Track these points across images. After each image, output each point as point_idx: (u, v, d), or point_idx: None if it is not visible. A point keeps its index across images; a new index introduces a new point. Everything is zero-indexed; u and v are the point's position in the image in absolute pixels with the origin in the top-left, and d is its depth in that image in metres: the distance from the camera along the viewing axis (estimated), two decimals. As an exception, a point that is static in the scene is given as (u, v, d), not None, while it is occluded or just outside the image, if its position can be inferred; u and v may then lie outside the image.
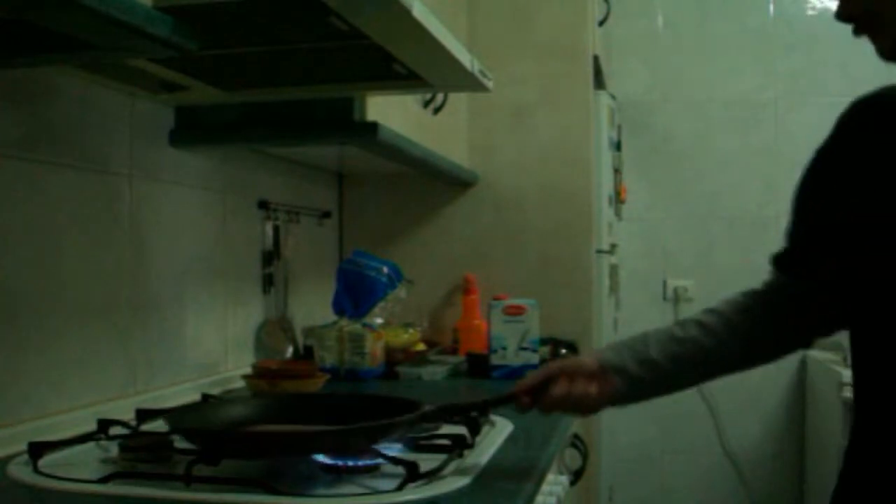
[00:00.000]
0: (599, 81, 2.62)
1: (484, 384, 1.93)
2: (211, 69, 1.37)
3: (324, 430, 1.07)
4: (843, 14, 0.95)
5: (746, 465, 3.36)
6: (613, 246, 2.80)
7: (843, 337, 1.08)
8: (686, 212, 3.41)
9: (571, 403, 1.06)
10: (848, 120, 1.03)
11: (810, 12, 3.32)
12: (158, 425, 1.32)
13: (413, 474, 0.98)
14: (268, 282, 2.00)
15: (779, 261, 1.08)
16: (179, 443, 1.15)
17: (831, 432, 2.83)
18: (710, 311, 1.10)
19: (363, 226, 2.50)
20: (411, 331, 2.18)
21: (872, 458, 0.96)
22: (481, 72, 1.50)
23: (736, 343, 1.08)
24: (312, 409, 1.24)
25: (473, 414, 1.23)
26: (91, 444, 1.20)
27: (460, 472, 1.04)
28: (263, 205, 1.98)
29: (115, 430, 1.24)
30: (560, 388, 1.05)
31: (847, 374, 2.72)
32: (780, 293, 1.08)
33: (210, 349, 1.78)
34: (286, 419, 1.21)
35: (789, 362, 3.23)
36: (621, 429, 3.14)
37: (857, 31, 0.95)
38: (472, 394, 1.83)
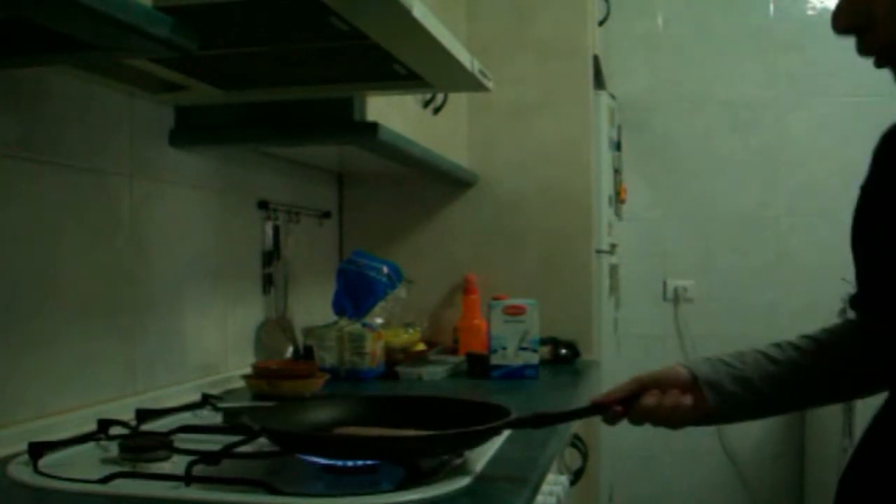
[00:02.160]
0: (599, 81, 2.62)
1: (484, 384, 1.93)
2: (211, 69, 1.37)
3: (409, 436, 1.06)
4: (843, 25, 0.92)
5: (746, 465, 3.36)
6: (613, 246, 2.80)
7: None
8: (686, 212, 3.41)
9: (662, 415, 1.04)
10: (884, 152, 0.99)
11: (810, 12, 3.32)
12: (158, 425, 1.32)
13: (413, 474, 0.98)
14: (268, 282, 2.00)
15: (855, 303, 1.06)
16: (179, 443, 1.15)
17: (831, 432, 2.83)
18: (808, 336, 1.08)
19: (363, 226, 2.50)
20: (411, 331, 2.18)
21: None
22: (481, 72, 1.50)
23: (832, 371, 1.05)
24: (397, 412, 1.21)
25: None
26: (91, 444, 1.20)
27: (460, 472, 1.04)
28: (263, 205, 1.98)
29: (115, 430, 1.24)
30: (652, 399, 1.03)
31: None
32: (866, 328, 1.06)
33: (210, 349, 1.78)
34: (372, 422, 1.19)
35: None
36: (621, 429, 3.13)
37: (843, 33, 0.93)
38: (473, 394, 1.83)
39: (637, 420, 1.06)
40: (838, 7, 0.91)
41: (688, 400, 1.03)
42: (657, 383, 1.05)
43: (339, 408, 1.25)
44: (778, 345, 1.07)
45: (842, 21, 0.91)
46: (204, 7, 1.04)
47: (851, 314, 1.09)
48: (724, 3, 3.38)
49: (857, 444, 1.00)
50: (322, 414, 1.22)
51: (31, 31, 0.94)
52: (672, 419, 1.05)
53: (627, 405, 1.05)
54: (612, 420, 1.06)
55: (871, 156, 1.00)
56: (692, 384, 1.04)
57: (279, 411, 1.26)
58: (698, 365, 1.06)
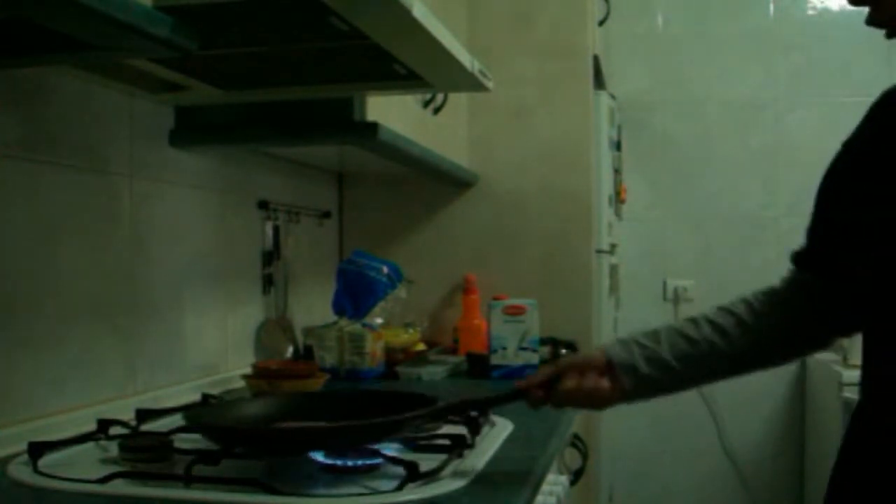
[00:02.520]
0: (599, 81, 2.62)
1: (484, 384, 1.93)
2: (211, 69, 1.37)
3: (330, 427, 1.07)
4: (877, 19, 0.92)
5: (746, 465, 3.36)
6: (613, 246, 2.80)
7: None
8: (686, 212, 3.41)
9: (582, 397, 1.05)
10: (878, 111, 0.99)
11: (810, 12, 3.32)
12: (158, 425, 1.32)
13: (413, 474, 0.98)
14: (268, 282, 2.00)
15: (799, 258, 1.07)
16: (179, 443, 1.15)
17: (831, 432, 2.83)
18: (725, 310, 1.08)
19: (363, 226, 2.50)
20: (411, 331, 2.18)
21: (870, 457, 0.95)
22: (481, 72, 1.50)
23: (750, 345, 1.06)
24: (326, 408, 1.23)
25: (473, 414, 1.23)
26: (91, 444, 1.20)
27: (460, 472, 1.04)
28: (263, 205, 1.98)
29: (115, 430, 1.24)
30: (571, 382, 1.04)
31: (847, 375, 2.73)
32: (800, 292, 1.07)
33: (210, 349, 1.78)
34: (304, 417, 1.20)
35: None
36: (621, 429, 3.14)
37: (857, 3, 0.93)
38: (474, 394, 1.83)
39: (558, 402, 1.06)
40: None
41: (605, 382, 1.04)
42: (574, 367, 1.05)
43: (273, 404, 1.26)
44: (694, 320, 1.08)
45: None
46: (204, 7, 1.04)
47: (788, 269, 1.09)
48: (724, 3, 3.38)
49: (842, 443, 1.01)
50: (256, 410, 1.24)
51: (31, 31, 0.94)
52: (592, 401, 1.06)
53: (548, 389, 1.05)
54: (534, 404, 1.06)
55: (865, 114, 1.00)
56: (608, 367, 1.05)
57: (223, 408, 1.30)
58: (613, 347, 1.07)
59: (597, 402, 1.06)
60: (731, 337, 1.05)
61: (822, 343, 1.11)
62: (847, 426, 1.01)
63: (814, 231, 1.04)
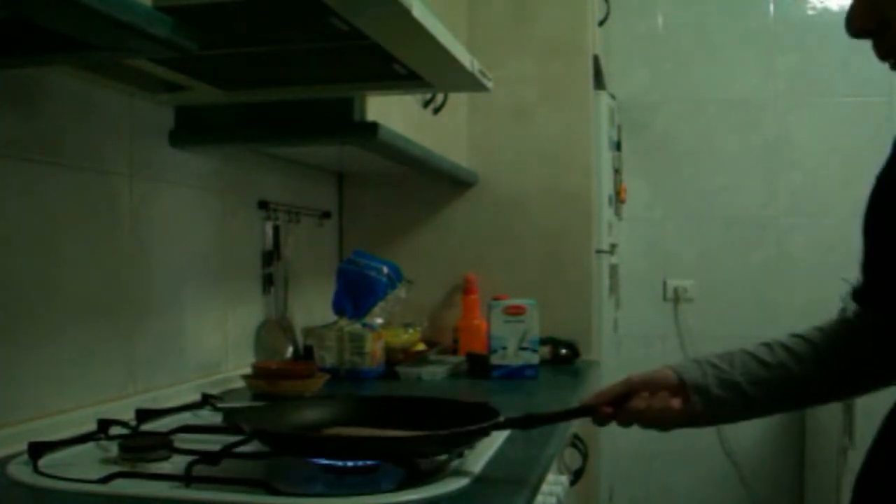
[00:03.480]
0: (599, 81, 2.62)
1: (484, 384, 1.93)
2: (211, 69, 1.37)
3: (402, 437, 1.06)
4: (856, 29, 0.91)
5: (746, 465, 3.36)
6: (613, 246, 2.80)
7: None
8: (686, 212, 3.41)
9: (651, 418, 1.04)
10: None
11: (810, 12, 3.32)
12: (158, 425, 1.32)
13: (413, 474, 0.98)
14: (268, 282, 2.00)
15: (858, 295, 1.04)
16: (179, 443, 1.15)
17: (831, 432, 2.83)
18: (800, 336, 1.06)
19: (363, 226, 2.50)
20: (411, 331, 2.18)
21: None
22: (481, 72, 1.50)
23: (824, 373, 1.04)
24: (389, 413, 1.22)
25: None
26: (91, 444, 1.20)
27: (460, 472, 1.04)
28: (263, 205, 1.98)
29: (115, 430, 1.24)
30: (640, 402, 1.03)
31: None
32: (867, 324, 1.04)
33: (210, 349, 1.78)
34: (360, 422, 1.19)
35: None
36: (621, 429, 3.13)
37: (860, 37, 0.92)
38: (473, 394, 1.83)
39: (626, 422, 1.06)
40: (852, 9, 0.91)
41: (676, 403, 1.03)
42: (646, 386, 1.04)
43: (331, 408, 1.25)
44: (768, 345, 1.06)
45: (856, 25, 0.91)
46: (204, 7, 1.04)
47: (852, 308, 1.08)
48: (724, 4, 3.38)
49: (871, 445, 0.99)
50: (314, 414, 1.23)
51: (31, 31, 0.94)
52: (660, 422, 1.05)
53: (616, 407, 1.05)
54: (601, 422, 1.06)
55: (892, 143, 0.98)
56: (680, 387, 1.03)
57: (272, 411, 1.27)
58: (686, 368, 1.05)
59: (665, 423, 1.05)
60: (805, 363, 1.03)
61: (892, 379, 1.07)
62: (880, 427, 0.98)
63: (868, 267, 1.02)
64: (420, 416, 1.16)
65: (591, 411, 1.06)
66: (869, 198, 0.99)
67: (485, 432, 1.08)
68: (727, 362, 1.04)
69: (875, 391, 1.07)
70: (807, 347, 1.05)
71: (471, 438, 1.09)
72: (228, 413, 1.21)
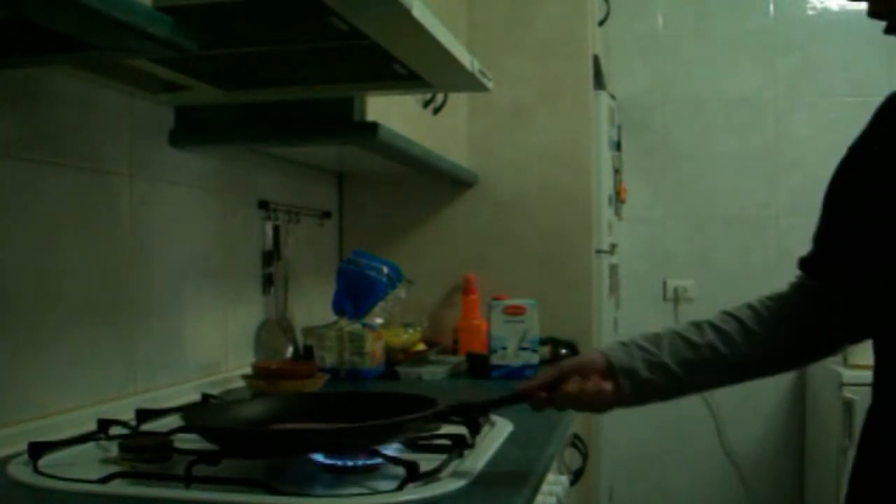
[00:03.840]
0: (599, 81, 2.62)
1: (484, 384, 1.93)
2: (211, 69, 1.37)
3: (329, 429, 1.07)
4: (877, 11, 0.92)
5: (746, 465, 3.36)
6: (613, 246, 2.80)
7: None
8: (686, 212, 3.41)
9: (584, 401, 1.04)
10: (883, 114, 0.99)
11: (810, 12, 3.32)
12: (158, 425, 1.32)
13: (413, 474, 0.98)
14: (268, 282, 2.00)
15: (806, 263, 1.05)
16: (179, 443, 1.15)
17: (831, 432, 2.83)
18: (730, 315, 1.07)
19: (363, 226, 2.50)
20: (411, 331, 2.18)
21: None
22: (481, 72, 1.50)
23: (755, 352, 1.05)
24: (325, 408, 1.23)
25: (474, 415, 1.23)
26: (91, 444, 1.20)
27: (460, 472, 1.04)
28: (263, 205, 1.98)
29: (115, 430, 1.24)
30: (573, 385, 1.03)
31: (847, 375, 2.73)
32: (808, 298, 1.05)
33: (210, 349, 1.78)
34: (304, 418, 1.20)
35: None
36: (621, 429, 3.14)
37: (877, 17, 0.93)
38: (473, 394, 1.83)
39: (561, 406, 1.06)
40: None
41: (608, 386, 1.03)
42: (577, 370, 1.05)
43: (272, 405, 1.26)
44: (697, 324, 1.07)
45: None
46: (204, 7, 1.04)
47: (796, 276, 1.08)
48: (724, 3, 3.38)
49: (857, 448, 1.00)
50: (255, 411, 1.23)
51: (31, 31, 0.94)
52: (594, 404, 1.05)
53: (551, 392, 1.05)
54: (538, 407, 1.06)
55: (871, 116, 1.00)
56: (610, 371, 1.04)
57: (219, 409, 1.30)
58: (614, 351, 1.05)
59: (599, 405, 1.05)
60: (735, 343, 1.04)
61: (829, 351, 1.10)
62: (861, 430, 0.99)
63: (822, 237, 1.03)
64: (363, 411, 1.15)
65: (524, 397, 1.07)
66: (836, 169, 1.00)
67: (424, 420, 1.09)
68: (655, 344, 1.05)
69: (804, 366, 1.08)
70: (736, 326, 1.05)
71: (408, 428, 1.08)
72: (185, 415, 1.22)
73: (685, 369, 1.04)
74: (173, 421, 1.35)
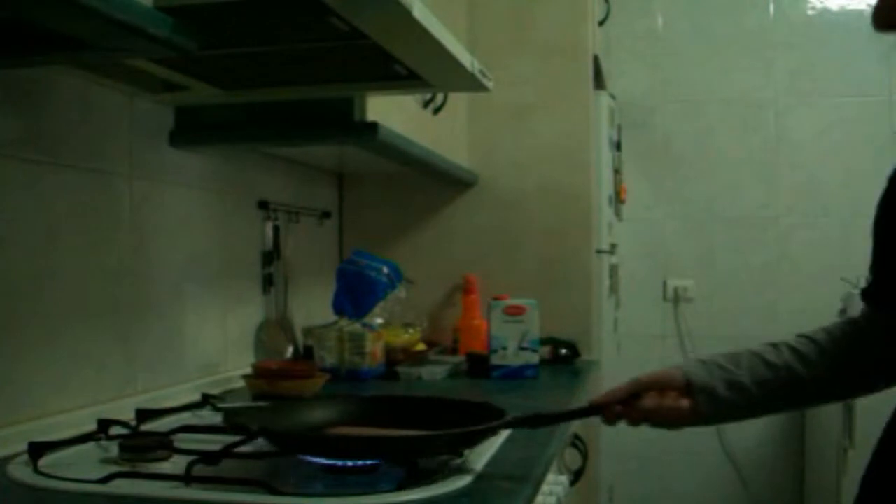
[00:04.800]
0: (599, 81, 2.62)
1: (484, 384, 1.93)
2: (211, 69, 1.37)
3: (403, 436, 1.07)
4: (883, 23, 0.92)
5: (746, 465, 3.36)
6: (613, 246, 2.80)
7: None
8: (686, 212, 3.41)
9: (661, 417, 1.04)
10: None
11: (810, 12, 3.32)
12: (158, 425, 1.32)
13: (413, 474, 0.98)
14: (268, 282, 2.00)
15: (867, 294, 1.05)
16: (179, 443, 1.15)
17: (831, 432, 2.83)
18: (806, 337, 1.07)
19: (363, 226, 2.50)
20: (411, 331, 2.18)
21: None
22: (481, 72, 1.50)
23: (830, 373, 1.04)
24: (394, 412, 1.22)
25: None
26: (91, 444, 1.20)
27: (460, 472, 1.04)
28: (263, 205, 1.98)
29: (115, 430, 1.24)
30: (650, 401, 1.04)
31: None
32: (875, 325, 1.05)
33: (210, 349, 1.78)
34: (362, 422, 1.19)
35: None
36: (621, 429, 3.13)
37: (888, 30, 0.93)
38: (473, 394, 1.83)
39: (636, 421, 1.06)
40: (880, 2, 0.91)
41: (685, 403, 1.04)
42: (655, 385, 1.05)
43: (336, 408, 1.25)
44: (775, 345, 1.06)
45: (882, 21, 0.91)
46: (204, 7, 1.04)
47: (857, 308, 1.08)
48: (724, 3, 3.38)
49: (878, 442, 0.99)
50: (319, 414, 1.23)
51: (31, 31, 0.94)
52: (670, 421, 1.05)
53: (626, 406, 1.05)
54: (611, 421, 1.07)
55: None
56: (687, 388, 1.04)
57: (277, 411, 1.27)
58: (693, 368, 1.06)
59: (674, 422, 1.05)
60: (812, 365, 1.04)
61: None
62: (885, 426, 0.99)
63: (877, 268, 1.03)
64: (422, 416, 1.16)
65: (601, 410, 1.07)
66: (881, 198, 0.99)
67: (493, 431, 1.09)
68: (734, 363, 1.05)
69: (880, 391, 1.07)
70: (813, 348, 1.05)
71: (479, 438, 1.09)
72: (229, 413, 1.21)
73: (763, 389, 1.03)
74: (173, 421, 1.35)
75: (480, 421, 1.07)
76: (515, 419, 1.09)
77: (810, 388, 1.05)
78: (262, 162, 1.99)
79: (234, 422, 1.12)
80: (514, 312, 1.98)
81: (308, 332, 2.00)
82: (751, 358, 1.05)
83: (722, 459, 3.36)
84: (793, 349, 1.05)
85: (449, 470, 1.04)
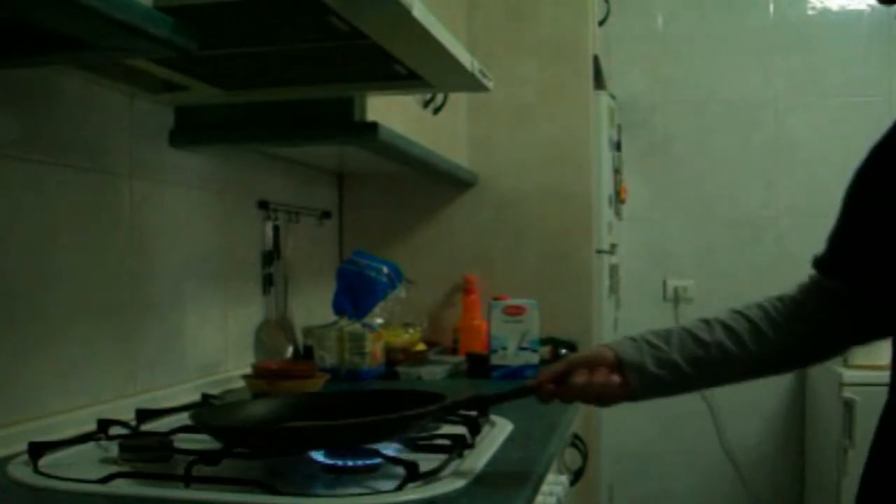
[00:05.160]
0: (599, 81, 2.62)
1: (484, 384, 1.93)
2: (211, 69, 1.37)
3: (334, 425, 1.06)
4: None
5: (746, 464, 3.36)
6: (613, 246, 2.80)
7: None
8: (686, 212, 3.41)
9: (592, 393, 1.04)
10: None
11: (810, 12, 3.32)
12: (158, 425, 1.32)
13: (413, 474, 0.98)
14: (268, 282, 2.00)
15: (820, 263, 1.06)
16: (179, 443, 1.15)
17: (831, 432, 2.83)
18: (739, 314, 1.07)
19: (363, 226, 2.50)
20: (411, 331, 2.18)
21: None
22: (481, 72, 1.50)
23: (763, 351, 1.05)
24: (330, 407, 1.22)
25: (471, 413, 1.23)
26: (91, 444, 1.20)
27: (460, 472, 1.04)
28: (263, 205, 1.98)
29: (115, 430, 1.24)
30: (581, 378, 1.04)
31: (847, 375, 2.73)
32: (819, 298, 1.05)
33: (210, 349, 1.78)
34: (309, 417, 1.20)
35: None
36: (621, 428, 3.14)
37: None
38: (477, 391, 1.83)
39: (568, 398, 1.06)
40: None
41: (615, 378, 1.04)
42: (586, 363, 1.05)
43: (276, 405, 1.26)
44: (707, 322, 1.07)
45: None
46: (204, 7, 1.04)
47: (809, 275, 1.09)
48: (724, 4, 3.38)
49: (874, 439, 0.99)
50: (263, 410, 1.23)
51: (31, 31, 0.94)
52: (601, 397, 1.06)
53: (558, 385, 1.05)
54: (545, 399, 1.07)
55: (892, 122, 0.99)
56: (618, 364, 1.04)
57: (227, 409, 1.29)
58: (623, 346, 1.06)
59: (605, 398, 1.06)
60: (744, 342, 1.04)
61: (837, 351, 1.10)
62: (877, 429, 0.99)
63: (838, 237, 1.03)
64: (369, 408, 1.15)
65: (533, 390, 1.07)
66: (857, 169, 1.00)
67: (435, 416, 1.09)
68: (664, 340, 1.05)
69: (815, 364, 1.07)
70: (746, 325, 1.05)
71: (417, 421, 1.08)
72: (194, 415, 1.22)
73: (694, 366, 1.04)
74: (173, 421, 1.35)
75: (424, 406, 1.08)
76: (454, 402, 1.10)
77: (741, 365, 1.05)
78: (262, 162, 1.99)
79: (200, 421, 1.13)
80: (514, 312, 1.98)
81: (308, 332, 2.00)
82: (682, 335, 1.06)
83: (722, 459, 3.36)
84: (725, 325, 1.06)
85: (449, 470, 1.04)
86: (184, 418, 1.40)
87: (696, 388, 1.08)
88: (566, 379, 1.05)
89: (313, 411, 1.22)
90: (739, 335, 1.05)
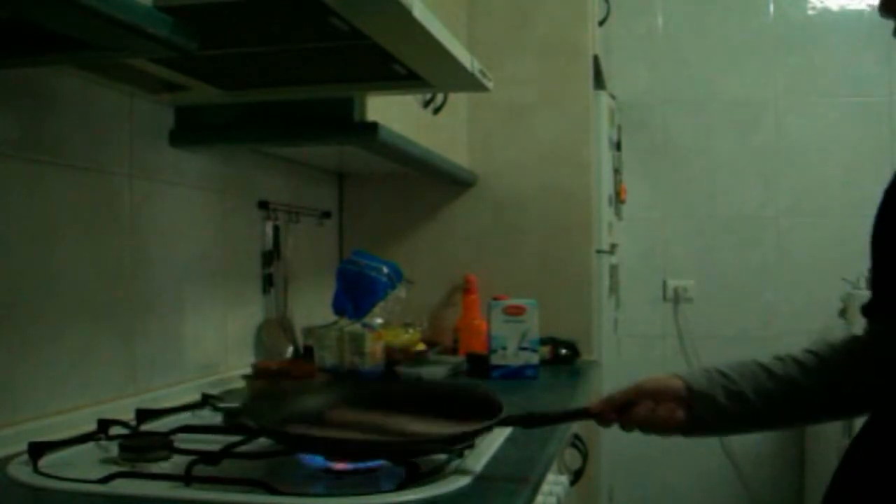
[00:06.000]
0: (599, 81, 2.62)
1: (484, 384, 1.93)
2: (211, 69, 1.37)
3: (400, 441, 1.07)
4: (890, 9, 0.92)
5: (746, 465, 3.36)
6: (613, 246, 2.80)
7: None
8: (686, 212, 3.41)
9: (654, 425, 1.04)
10: None
11: (810, 12, 3.32)
12: (158, 425, 1.32)
13: (413, 474, 0.98)
14: (268, 282, 2.00)
15: (867, 310, 1.04)
16: (179, 443, 1.15)
17: (831, 432, 2.83)
18: (811, 351, 1.05)
19: (363, 226, 2.50)
20: (411, 331, 2.18)
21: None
22: (481, 72, 1.50)
23: (831, 388, 1.03)
24: (387, 397, 1.23)
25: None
26: (91, 444, 1.20)
27: (460, 472, 1.04)
28: (263, 205, 1.98)
29: (115, 430, 1.24)
30: (645, 409, 1.04)
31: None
32: (877, 340, 1.04)
33: (210, 349, 1.78)
34: (364, 408, 1.20)
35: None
36: (622, 429, 3.14)
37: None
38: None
39: (629, 428, 1.07)
40: None
41: (680, 413, 1.03)
42: (653, 394, 1.05)
43: (333, 393, 1.25)
44: (780, 358, 1.06)
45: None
46: (204, 7, 1.04)
47: (857, 309, 1.08)
48: (724, 4, 3.38)
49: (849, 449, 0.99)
50: (316, 399, 1.22)
51: (31, 31, 0.94)
52: (663, 429, 1.05)
53: (620, 414, 1.06)
54: (605, 425, 1.08)
55: None
56: (688, 396, 1.03)
57: (273, 404, 1.27)
58: (695, 376, 1.05)
59: (668, 431, 1.05)
60: (814, 378, 1.03)
61: None
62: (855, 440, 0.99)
63: (876, 282, 1.02)
64: (422, 402, 1.15)
65: (595, 416, 1.08)
66: (877, 212, 0.99)
67: (488, 430, 1.09)
68: (737, 372, 1.04)
69: (878, 407, 1.05)
70: (816, 361, 1.04)
71: (472, 438, 1.09)
72: (230, 413, 1.21)
73: (764, 400, 1.03)
74: (173, 421, 1.35)
75: (478, 413, 1.07)
76: (510, 417, 1.10)
77: (812, 402, 1.03)
78: (262, 162, 1.99)
79: (234, 422, 1.12)
80: (514, 312, 1.98)
81: (308, 332, 2.00)
82: (754, 368, 1.04)
83: (722, 459, 3.36)
84: (797, 361, 1.04)
85: (449, 470, 1.04)
86: (184, 418, 1.40)
87: (763, 425, 1.08)
88: (629, 408, 1.05)
89: (367, 403, 1.20)
90: (810, 370, 1.03)
